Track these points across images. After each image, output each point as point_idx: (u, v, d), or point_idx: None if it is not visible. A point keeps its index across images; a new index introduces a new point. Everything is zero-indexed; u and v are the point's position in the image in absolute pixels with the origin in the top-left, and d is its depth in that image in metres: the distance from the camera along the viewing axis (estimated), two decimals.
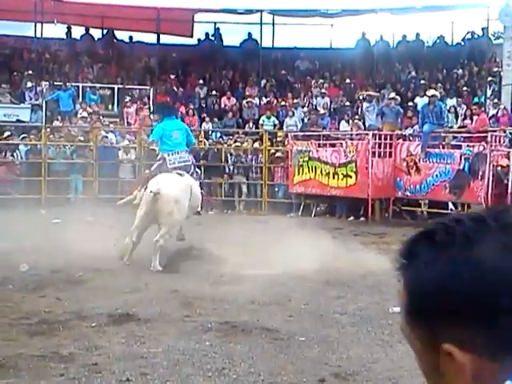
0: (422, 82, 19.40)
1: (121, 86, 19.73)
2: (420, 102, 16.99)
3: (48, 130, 16.59)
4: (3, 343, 5.56)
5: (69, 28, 22.35)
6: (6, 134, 16.27)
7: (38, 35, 20.31)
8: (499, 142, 13.70)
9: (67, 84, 18.69)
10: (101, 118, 17.90)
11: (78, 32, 22.49)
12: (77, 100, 18.69)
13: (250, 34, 22.13)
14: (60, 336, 5.80)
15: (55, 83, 18.97)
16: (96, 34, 22.79)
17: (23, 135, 16.43)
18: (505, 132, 14.24)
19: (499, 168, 13.16)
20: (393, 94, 17.45)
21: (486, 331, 0.87)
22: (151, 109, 19.12)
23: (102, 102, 19.26)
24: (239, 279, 8.20)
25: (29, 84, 19.09)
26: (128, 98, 19.16)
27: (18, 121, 17.81)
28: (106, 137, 16.61)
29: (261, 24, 20.79)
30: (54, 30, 21.72)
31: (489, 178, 13.10)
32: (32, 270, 8.12)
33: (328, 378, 4.85)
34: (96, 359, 5.18)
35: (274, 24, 21.58)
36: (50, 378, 4.78)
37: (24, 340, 5.68)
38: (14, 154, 16.03)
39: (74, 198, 15.30)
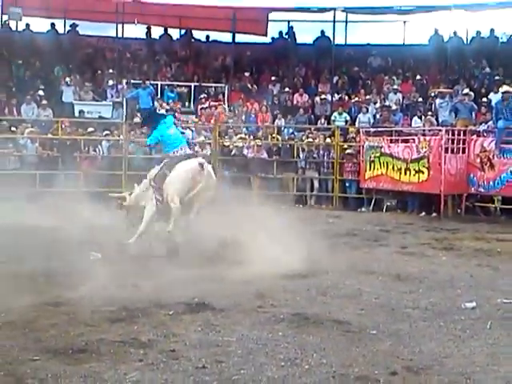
0: (497, 77, 18.98)
1: (197, 84, 20.00)
2: (494, 97, 16.62)
3: (129, 126, 16.97)
4: (85, 329, 5.66)
5: (148, 28, 22.82)
6: (90, 129, 16.75)
7: (120, 35, 20.85)
8: None
9: (146, 82, 19.09)
10: (178, 114, 18.17)
11: (157, 32, 22.97)
12: (155, 97, 19.04)
13: (322, 31, 22.07)
14: (139, 323, 5.88)
15: (135, 81, 19.40)
16: (174, 33, 23.22)
17: (106, 131, 16.86)
18: None
19: None
20: (466, 90, 17.16)
21: None
22: (226, 106, 19.33)
23: (179, 100, 19.56)
24: (310, 272, 8.20)
25: (110, 82, 19.62)
26: (204, 96, 19.40)
27: (100, 117, 18.33)
28: (183, 133, 16.84)
29: (334, 22, 20.66)
30: (134, 31, 22.29)
31: None
32: (108, 258, 8.22)
33: (400, 372, 4.78)
34: (173, 346, 5.24)
35: (346, 21, 21.37)
36: (129, 362, 4.87)
37: (105, 326, 5.77)
38: (97, 149, 16.49)
39: None
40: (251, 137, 17.30)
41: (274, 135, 17.73)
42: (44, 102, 17.88)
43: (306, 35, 23.40)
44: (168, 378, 4.57)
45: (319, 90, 20.56)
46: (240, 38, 22.74)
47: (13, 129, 16.31)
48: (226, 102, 19.62)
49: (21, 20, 21.19)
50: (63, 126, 16.88)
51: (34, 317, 6.00)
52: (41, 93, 18.25)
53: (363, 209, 16.11)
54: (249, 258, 8.83)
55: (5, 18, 21.09)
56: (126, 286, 7.13)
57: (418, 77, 20.20)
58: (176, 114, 18.02)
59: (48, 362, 4.84)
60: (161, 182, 9.47)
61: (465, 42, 21.62)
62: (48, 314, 6.12)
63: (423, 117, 17.15)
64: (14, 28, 21.44)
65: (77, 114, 18.31)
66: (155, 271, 7.82)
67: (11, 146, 15.82)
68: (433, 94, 18.29)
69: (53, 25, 21.92)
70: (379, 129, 16.95)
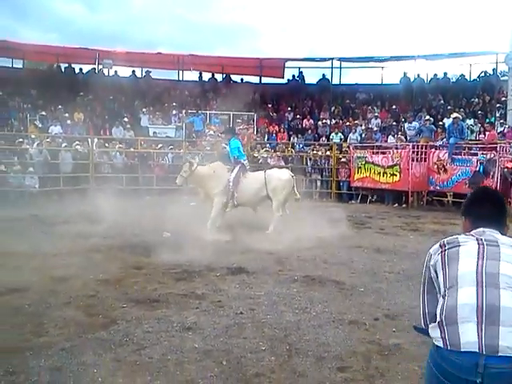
0: (449, 107, 18.65)
1: (235, 113, 19.98)
2: (447, 122, 16.34)
3: (187, 143, 17.04)
4: (158, 285, 5.72)
5: (200, 73, 22.85)
6: (160, 145, 16.87)
7: (180, 79, 20.95)
8: (505, 150, 13.07)
9: (199, 111, 19.16)
10: (221, 135, 18.20)
11: (206, 76, 22.97)
12: (205, 122, 19.10)
13: (324, 74, 21.87)
14: (196, 281, 5.93)
15: (191, 111, 19.47)
16: (218, 77, 23.18)
17: (171, 146, 16.97)
18: (510, 144, 13.56)
19: (505, 169, 12.60)
20: (427, 117, 16.99)
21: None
22: (255, 128, 19.31)
23: (222, 124, 19.58)
24: (315, 246, 8.16)
25: (174, 111, 19.68)
26: (239, 121, 19.41)
27: (167, 137, 18.41)
28: (225, 147, 16.84)
29: (332, 68, 20.60)
30: (191, 75, 22.33)
31: (497, 177, 12.54)
32: (175, 236, 8.20)
33: (380, 318, 4.77)
34: (220, 298, 5.29)
35: (341, 67, 21.23)
36: (189, 309, 4.91)
37: (171, 283, 5.84)
38: (165, 159, 16.60)
39: None
40: (273, 150, 17.26)
41: (289, 149, 17.67)
42: (128, 126, 18.03)
43: (311, 77, 23.31)
44: (216, 321, 4.60)
45: (321, 116, 20.42)
46: (265, 79, 22.72)
47: (106, 145, 16.50)
48: (254, 125, 19.58)
49: (111, 68, 21.40)
50: (141, 143, 17.03)
51: (123, 276, 6.10)
52: (125, 119, 18.40)
53: (353, 201, 15.99)
54: (272, 236, 8.85)
55: (100, 66, 21.31)
56: (187, 255, 7.18)
57: (394, 107, 20.02)
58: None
59: (132, 308, 4.92)
60: (237, 183, 9.25)
61: (426, 81, 21.36)
62: (132, 274, 6.22)
63: (396, 135, 17.00)
64: (106, 74, 21.66)
65: (151, 134, 18.42)
66: (207, 245, 7.86)
67: (105, 157, 16.00)
68: (403, 120, 18.11)
69: (133, 71, 22.08)
70: (364, 144, 16.85)
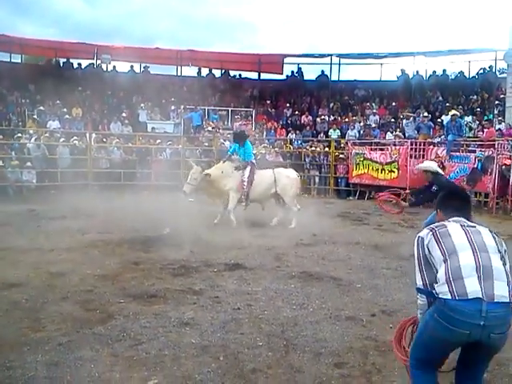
0: (447, 104, 18.67)
1: (233, 109, 19.94)
2: (445, 119, 16.34)
3: (185, 139, 16.99)
4: (156, 280, 5.72)
5: (199, 69, 22.79)
6: (158, 141, 16.83)
7: (179, 74, 20.89)
8: (503, 148, 13.10)
9: (197, 107, 19.11)
10: (220, 130, 18.18)
11: (204, 72, 22.88)
12: (204, 118, 19.05)
13: (322, 71, 21.84)
14: (193, 277, 5.93)
15: (189, 107, 19.42)
16: (217, 73, 23.12)
17: (169, 142, 16.94)
18: (507, 141, 13.60)
19: (503, 166, 12.62)
20: (426, 114, 16.96)
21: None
22: (253, 124, 19.28)
23: (221, 120, 19.54)
24: (313, 242, 8.18)
25: (172, 107, 19.63)
26: (237, 117, 19.38)
27: (165, 132, 18.36)
28: (223, 143, 16.87)
29: (330, 64, 20.50)
30: (189, 71, 22.25)
31: (495, 174, 12.55)
32: (173, 232, 8.24)
33: (377, 314, 4.77)
34: (217, 294, 5.28)
35: (340, 64, 21.11)
36: (186, 305, 4.91)
37: (169, 279, 5.83)
38: (163, 155, 16.56)
39: None
40: (271, 146, 17.23)
41: (287, 145, 17.66)
42: (126, 121, 17.98)
43: (310, 74, 23.30)
44: (213, 316, 4.60)
45: (319, 112, 20.36)
46: (263, 75, 22.66)
47: (104, 140, 16.46)
48: (253, 121, 19.54)
49: (110, 63, 21.33)
50: (139, 138, 17.00)
51: (120, 272, 6.08)
52: (124, 115, 18.35)
53: (351, 198, 16.00)
54: (270, 232, 8.86)
55: (98, 61, 21.21)
56: (185, 251, 7.19)
57: (392, 104, 19.99)
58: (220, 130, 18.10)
59: (129, 303, 4.91)
60: (251, 183, 9.53)
61: (424, 78, 21.31)
62: (130, 269, 6.20)
63: (394, 132, 16.98)
64: (104, 69, 21.58)
65: (149, 129, 18.36)
66: (205, 241, 7.86)
67: (103, 152, 15.97)
68: (401, 116, 18.09)
69: (132, 66, 21.98)
70: (363, 141, 16.82)
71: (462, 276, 2.50)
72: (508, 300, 2.48)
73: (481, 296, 2.44)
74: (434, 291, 2.60)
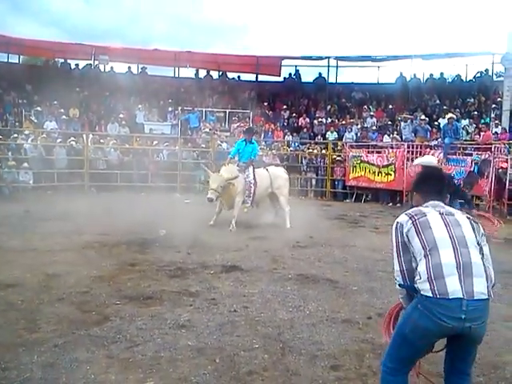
0: (444, 107, 18.70)
1: (230, 110, 19.95)
2: (442, 122, 16.41)
3: (182, 140, 17.00)
4: (152, 282, 5.70)
5: (196, 70, 22.80)
6: (155, 142, 16.82)
7: (176, 75, 20.88)
8: (500, 151, 13.17)
9: (195, 109, 19.10)
10: (217, 132, 18.18)
11: (202, 73, 22.90)
12: (201, 120, 19.04)
13: (320, 73, 21.89)
14: (189, 279, 5.91)
15: (187, 108, 19.42)
16: (214, 74, 23.13)
17: (166, 143, 16.92)
18: (504, 144, 13.67)
19: (500, 170, 12.69)
20: (423, 116, 17.01)
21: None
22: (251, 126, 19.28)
23: (218, 121, 19.54)
24: (309, 244, 8.19)
25: (169, 108, 19.62)
26: (235, 118, 19.38)
27: (162, 133, 18.35)
28: (221, 145, 16.87)
29: (328, 66, 20.57)
30: (187, 72, 22.24)
31: (492, 177, 12.61)
32: (169, 233, 8.25)
33: (373, 316, 4.77)
34: (213, 296, 5.27)
35: (337, 66, 21.23)
36: (183, 307, 4.90)
37: (165, 280, 5.82)
38: (160, 156, 16.55)
39: (198, 187, 15.55)
40: (268, 148, 17.25)
41: (284, 147, 17.67)
42: (123, 122, 17.95)
43: (308, 76, 23.30)
44: (209, 318, 4.59)
45: (317, 115, 20.38)
46: (261, 77, 22.69)
47: (101, 141, 16.43)
48: (250, 123, 19.54)
49: (107, 64, 21.31)
50: (136, 140, 16.97)
51: (117, 273, 6.06)
52: (121, 116, 18.32)
53: (347, 200, 16.03)
54: (267, 234, 8.85)
55: (96, 62, 21.19)
56: (181, 252, 7.19)
57: (390, 106, 20.04)
58: (217, 131, 18.10)
59: (126, 305, 4.90)
60: (256, 182, 9.55)
61: (422, 81, 21.40)
62: (126, 271, 6.18)
63: (391, 135, 17.01)
64: (102, 70, 21.56)
65: (146, 130, 18.36)
66: (202, 242, 7.86)
67: (100, 153, 15.94)
68: (399, 119, 18.14)
69: (129, 67, 21.96)
70: (360, 143, 16.86)
71: (443, 275, 2.53)
72: (486, 296, 2.55)
73: (461, 296, 2.49)
74: (415, 286, 2.62)
